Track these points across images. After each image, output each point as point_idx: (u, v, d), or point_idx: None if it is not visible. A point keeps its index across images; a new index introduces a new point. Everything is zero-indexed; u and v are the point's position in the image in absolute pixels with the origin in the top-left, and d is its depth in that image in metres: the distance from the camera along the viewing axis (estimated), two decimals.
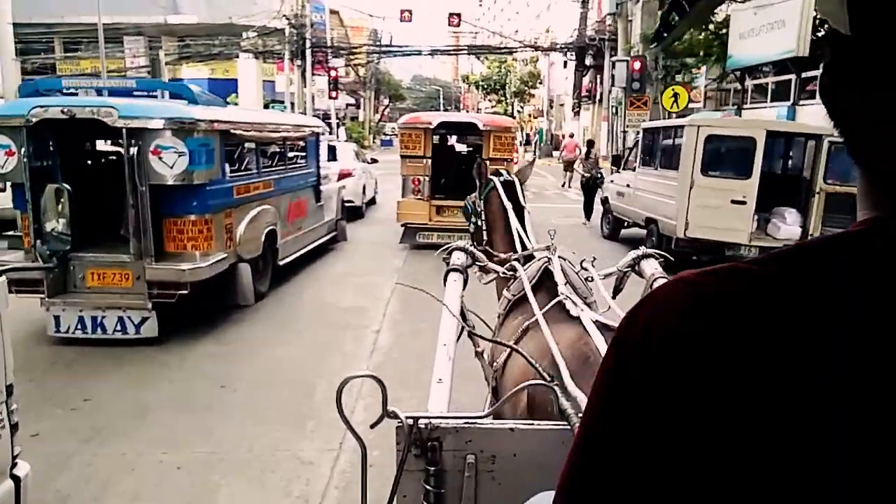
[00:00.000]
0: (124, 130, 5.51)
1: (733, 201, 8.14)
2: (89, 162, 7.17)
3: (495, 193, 3.22)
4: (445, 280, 2.64)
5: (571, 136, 26.78)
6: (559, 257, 2.59)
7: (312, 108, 37.19)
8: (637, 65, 18.50)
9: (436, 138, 10.93)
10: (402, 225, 10.55)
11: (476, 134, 10.84)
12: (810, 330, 0.46)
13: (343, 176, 13.28)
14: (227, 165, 6.55)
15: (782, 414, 0.45)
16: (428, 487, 1.52)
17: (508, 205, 3.13)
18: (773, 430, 0.45)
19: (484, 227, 3.22)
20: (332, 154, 10.55)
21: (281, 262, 7.99)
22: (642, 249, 2.76)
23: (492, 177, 3.32)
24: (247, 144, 7.26)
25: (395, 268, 9.27)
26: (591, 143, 15.30)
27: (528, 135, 47.11)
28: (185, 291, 5.80)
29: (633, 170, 10.64)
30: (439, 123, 10.49)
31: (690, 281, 0.52)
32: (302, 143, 9.09)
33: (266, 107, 39.87)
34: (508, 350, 2.13)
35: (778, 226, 8.45)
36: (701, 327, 0.49)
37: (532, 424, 1.57)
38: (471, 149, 13.48)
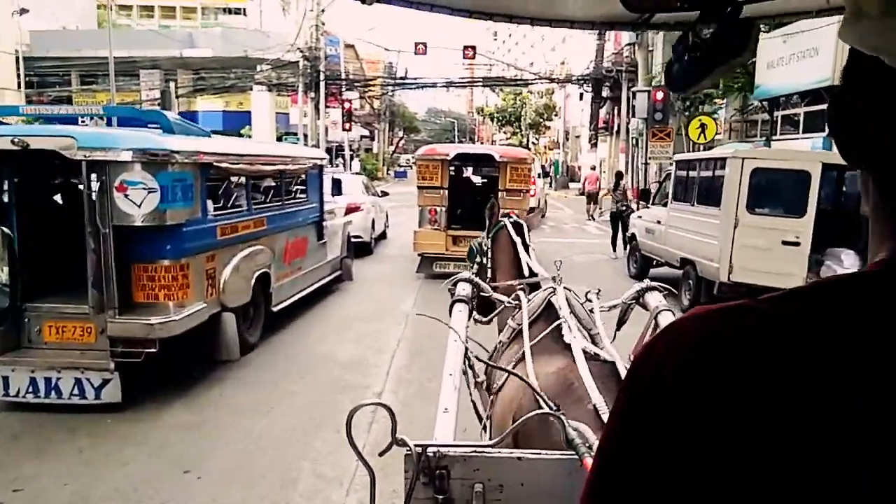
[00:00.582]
0: (84, 163, 4.73)
1: (784, 242, 7.21)
2: (52, 198, 6.40)
3: (504, 232, 3.28)
4: (451, 311, 2.66)
5: (593, 168, 25.91)
6: (564, 288, 2.59)
7: (326, 139, 36.78)
8: (659, 95, 17.71)
9: (451, 169, 10.95)
10: (419, 255, 10.48)
11: (492, 165, 10.86)
12: (825, 367, 0.46)
13: (350, 210, 12.49)
14: (209, 203, 5.76)
15: (795, 447, 0.45)
16: None
17: (518, 239, 3.17)
18: (788, 462, 0.45)
19: (489, 266, 3.28)
20: (338, 188, 9.78)
21: (275, 308, 7.15)
22: (646, 282, 2.77)
23: (502, 218, 3.38)
24: (234, 179, 6.49)
25: (403, 312, 8.40)
26: (619, 175, 15.07)
27: (542, 167, 46.42)
28: (154, 350, 4.96)
29: (664, 205, 9.75)
30: (456, 155, 10.62)
31: (703, 316, 0.53)
32: (302, 177, 8.32)
33: (279, 139, 39.64)
34: (503, 378, 2.19)
35: (833, 268, 7.49)
36: (714, 359, 0.49)
37: (540, 454, 1.58)
38: (486, 180, 13.55)
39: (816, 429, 0.45)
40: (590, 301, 2.67)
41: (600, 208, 20.06)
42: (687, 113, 19.93)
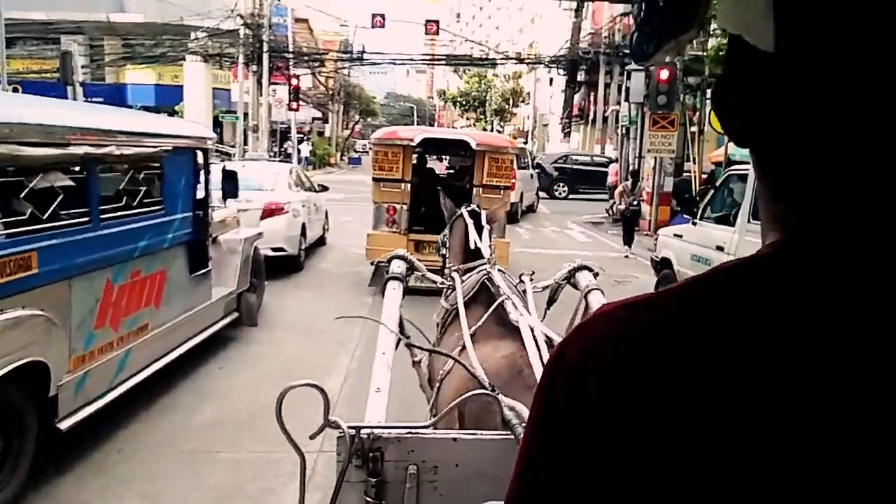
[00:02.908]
0: None
1: None
2: None
3: (461, 221, 3.25)
4: (384, 289, 2.63)
5: (614, 161, 21.91)
6: (499, 270, 2.65)
7: (269, 119, 32.80)
8: (664, 74, 14.59)
9: (414, 158, 9.27)
10: (372, 263, 8.58)
11: (464, 154, 9.41)
12: (729, 356, 0.47)
13: (268, 214, 9.02)
14: None
15: (706, 444, 0.46)
16: (369, 499, 1.50)
17: (470, 222, 3.16)
18: (700, 460, 0.46)
19: (447, 255, 3.30)
20: (231, 186, 6.25)
21: (64, 426, 3.67)
22: (577, 261, 2.81)
23: (458, 209, 3.37)
24: None
25: (341, 369, 5.11)
26: (635, 175, 14.52)
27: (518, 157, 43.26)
28: None
29: (728, 222, 6.58)
30: (422, 140, 8.75)
31: (612, 314, 0.53)
32: (153, 169, 4.80)
33: (216, 119, 35.44)
34: (447, 361, 2.14)
35: None
36: (627, 357, 0.50)
37: (476, 434, 1.59)
38: (452, 171, 12.17)
39: (724, 422, 0.45)
40: (522, 283, 2.73)
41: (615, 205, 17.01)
42: (693, 97, 16.94)
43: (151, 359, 4.76)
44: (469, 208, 3.31)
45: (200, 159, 5.73)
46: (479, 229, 3.11)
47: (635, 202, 13.52)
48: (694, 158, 16.57)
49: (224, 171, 6.24)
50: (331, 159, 46.06)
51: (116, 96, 39.29)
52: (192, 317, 5.48)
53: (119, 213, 4.31)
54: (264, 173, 9.87)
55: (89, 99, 39.63)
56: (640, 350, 0.49)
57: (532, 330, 2.05)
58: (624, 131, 18.71)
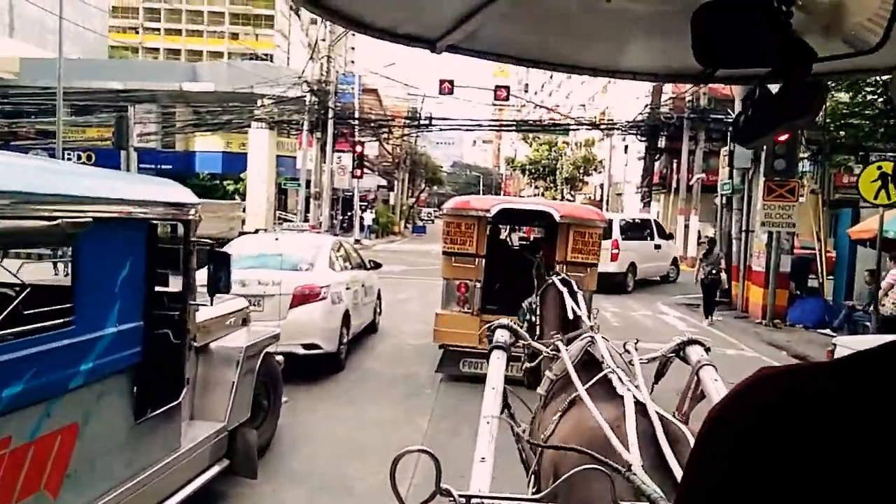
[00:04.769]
0: None
1: None
2: None
3: (553, 289, 3.26)
4: (489, 357, 2.70)
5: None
6: (602, 338, 2.61)
7: (332, 186, 31.78)
8: (782, 134, 12.29)
9: (488, 230, 8.54)
10: (441, 347, 7.78)
11: (546, 227, 9.03)
12: (866, 447, 0.47)
13: (301, 301, 7.05)
14: None
15: None
16: None
17: (564, 289, 3.18)
18: None
19: (538, 323, 3.26)
20: (221, 277, 4.26)
21: None
22: (686, 335, 2.78)
23: (550, 276, 3.39)
24: None
25: None
26: (712, 242, 14.25)
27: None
28: None
29: None
30: (499, 211, 7.90)
31: (773, 379, 0.54)
32: (63, 253, 2.87)
33: (280, 185, 34.76)
34: (550, 431, 2.19)
35: None
36: (792, 422, 0.50)
37: None
38: (527, 243, 11.93)
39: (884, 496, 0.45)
40: (628, 352, 2.67)
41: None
42: (813, 163, 14.44)
43: None
44: (560, 277, 3.34)
45: (180, 233, 3.81)
46: (574, 297, 3.13)
47: (714, 271, 13.17)
48: (817, 234, 13.96)
49: (212, 253, 4.25)
50: (394, 227, 44.88)
51: (184, 163, 39.55)
52: (142, 484, 3.42)
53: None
54: (300, 248, 7.98)
55: (158, 166, 39.89)
56: (807, 418, 0.49)
57: (637, 403, 2.01)
58: (724, 202, 16.21)
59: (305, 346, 7.05)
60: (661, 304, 15.65)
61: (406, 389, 7.25)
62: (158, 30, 77.87)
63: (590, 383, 2.20)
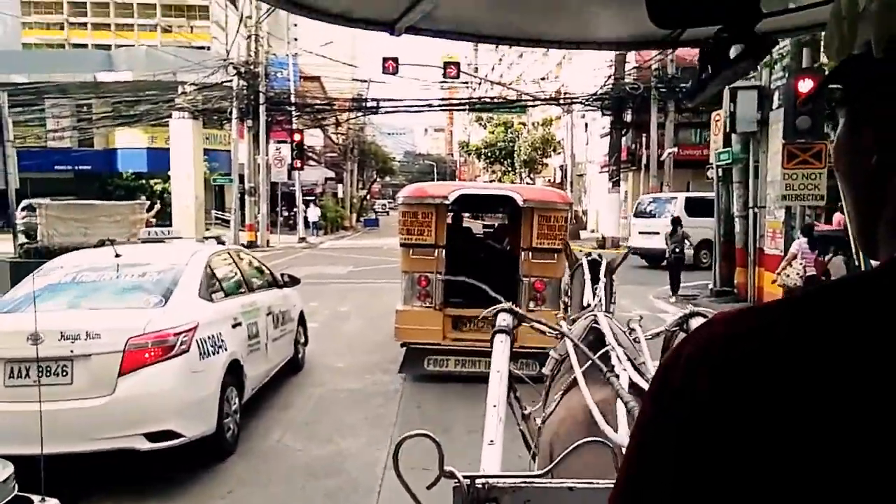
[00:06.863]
0: None
1: None
2: None
3: (580, 270, 3.30)
4: (492, 342, 2.61)
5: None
6: (605, 315, 2.67)
7: (269, 181, 28.46)
8: (806, 85, 9.78)
9: (449, 218, 7.92)
10: (403, 345, 7.21)
11: (510, 213, 8.61)
12: (838, 363, 0.48)
13: (135, 363, 4.15)
14: None
15: (819, 442, 0.47)
16: None
17: (588, 275, 3.20)
18: (815, 460, 0.47)
19: (569, 304, 3.38)
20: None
21: None
22: (690, 308, 2.82)
23: (580, 256, 3.45)
24: None
25: None
26: (676, 221, 14.18)
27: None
28: None
29: None
30: (458, 197, 7.26)
31: (727, 319, 0.55)
32: None
33: (206, 180, 31.23)
34: (551, 410, 2.26)
35: None
36: (744, 354, 0.51)
37: (592, 483, 1.54)
38: (490, 230, 11.59)
39: (835, 423, 0.47)
40: (633, 329, 2.72)
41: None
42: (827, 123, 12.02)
43: None
44: (591, 258, 3.35)
45: None
46: (596, 279, 3.15)
47: (677, 249, 13.46)
48: (841, 206, 11.58)
49: None
50: (344, 222, 41.71)
51: (105, 162, 35.51)
52: None
53: None
54: (150, 269, 5.02)
55: (74, 167, 35.49)
56: (758, 349, 0.50)
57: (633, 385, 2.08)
58: (721, 174, 13.75)
59: (151, 437, 4.18)
60: (651, 296, 13.19)
61: (335, 483, 4.42)
62: (85, 24, 72.43)
63: (588, 364, 2.21)
